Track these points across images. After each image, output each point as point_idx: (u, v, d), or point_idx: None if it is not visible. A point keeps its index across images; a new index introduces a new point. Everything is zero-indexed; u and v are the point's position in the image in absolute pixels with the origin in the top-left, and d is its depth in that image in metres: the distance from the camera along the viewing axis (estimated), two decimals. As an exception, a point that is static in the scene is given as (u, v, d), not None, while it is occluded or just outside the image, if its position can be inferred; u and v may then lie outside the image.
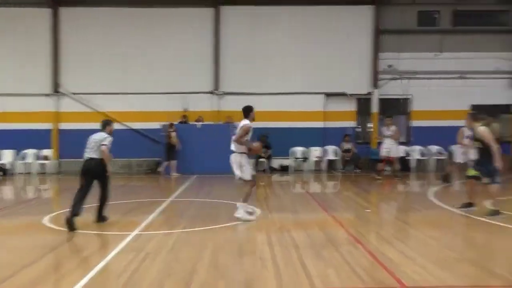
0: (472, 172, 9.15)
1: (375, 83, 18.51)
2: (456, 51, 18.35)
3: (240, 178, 8.81)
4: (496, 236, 7.77)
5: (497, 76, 18.63)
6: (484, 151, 8.85)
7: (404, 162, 17.58)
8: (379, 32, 18.45)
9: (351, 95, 18.51)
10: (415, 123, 18.67)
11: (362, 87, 18.54)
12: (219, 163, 16.85)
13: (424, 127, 18.33)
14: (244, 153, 8.77)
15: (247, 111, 9.10)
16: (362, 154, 18.17)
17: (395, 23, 18.58)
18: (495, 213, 8.67)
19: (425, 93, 18.34)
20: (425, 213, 9.77)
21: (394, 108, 18.94)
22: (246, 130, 8.69)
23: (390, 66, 18.57)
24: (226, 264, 5.99)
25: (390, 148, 14.95)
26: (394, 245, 6.95)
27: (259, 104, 17.96)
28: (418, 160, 18.21)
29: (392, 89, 18.59)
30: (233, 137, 8.87)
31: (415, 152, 18.27)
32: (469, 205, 9.25)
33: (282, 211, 9.40)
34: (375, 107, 18.53)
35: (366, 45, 18.48)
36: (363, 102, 18.79)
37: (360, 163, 17.94)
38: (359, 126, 19.23)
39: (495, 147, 8.72)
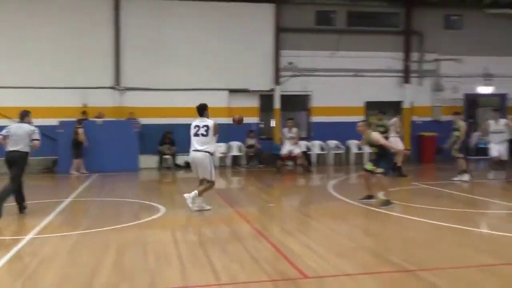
0: (370, 166, 9.70)
1: (277, 79, 18.95)
2: (351, 50, 19.27)
3: (204, 178, 8.95)
4: (390, 225, 8.32)
5: (389, 74, 19.85)
6: (380, 153, 9.48)
7: (305, 157, 18.25)
8: (280, 30, 18.90)
9: (254, 91, 18.79)
10: (315, 118, 19.38)
11: (264, 83, 18.89)
12: (122, 160, 16.55)
13: (323, 123, 19.08)
14: (211, 153, 8.92)
15: (204, 109, 9.19)
16: (266, 149, 18.55)
17: (295, 21, 19.12)
18: (387, 203, 9.28)
19: (324, 90, 19.08)
20: (326, 205, 10.20)
21: (295, 104, 19.56)
22: (217, 127, 8.94)
23: (290, 63, 19.09)
24: (130, 264, 5.84)
25: (291, 149, 15.47)
26: (297, 237, 7.19)
27: (163, 100, 17.85)
28: (318, 154, 18.94)
29: (293, 85, 19.13)
30: (205, 137, 8.84)
31: (315, 147, 18.99)
32: (369, 197, 9.80)
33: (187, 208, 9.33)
34: (277, 103, 18.98)
35: (268, 42, 18.85)
36: (266, 98, 19.16)
37: (263, 158, 18.30)
38: (262, 122, 19.60)
39: (390, 145, 9.37)
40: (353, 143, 18.90)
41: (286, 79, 19.12)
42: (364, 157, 18.86)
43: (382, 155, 9.47)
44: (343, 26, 19.59)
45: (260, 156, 18.33)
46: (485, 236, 7.49)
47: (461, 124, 13.16)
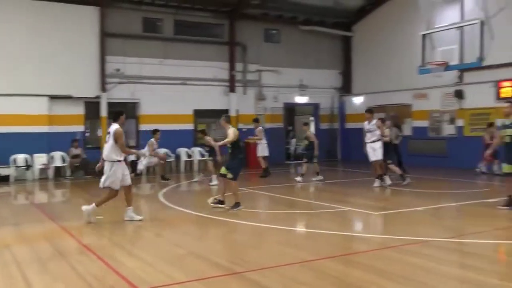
0: (224, 170, 9.92)
1: (103, 86, 18.19)
2: (178, 59, 19.43)
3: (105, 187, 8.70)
4: (218, 229, 8.54)
5: (215, 83, 20.49)
6: (233, 152, 9.87)
7: (133, 166, 17.93)
8: (105, 35, 18.20)
9: (78, 98, 17.76)
10: (144, 126, 19.04)
11: (89, 90, 17.95)
12: None
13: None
14: (118, 161, 8.54)
15: (116, 114, 8.83)
16: (93, 159, 17.59)
17: (121, 27, 18.61)
18: (236, 205, 9.72)
19: (153, 97, 18.89)
20: (156, 214, 10.10)
21: (123, 112, 18.96)
22: (121, 135, 8.47)
23: (117, 70, 18.53)
24: None
25: (151, 161, 15.54)
26: (126, 248, 6.99)
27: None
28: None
29: (121, 93, 18.56)
30: (108, 145, 8.45)
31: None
32: (220, 202, 9.96)
33: None
34: (104, 111, 18.22)
35: (92, 47, 17.94)
36: (91, 106, 18.24)
37: (90, 168, 17.36)
38: (88, 130, 18.65)
39: (227, 142, 9.87)
40: (183, 151, 19.08)
41: (113, 86, 18.49)
42: (193, 165, 19.17)
43: (235, 154, 9.85)
44: (170, 35, 19.66)
45: (86, 167, 17.35)
46: (304, 234, 8.16)
47: (309, 133, 14.92)
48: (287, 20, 21.97)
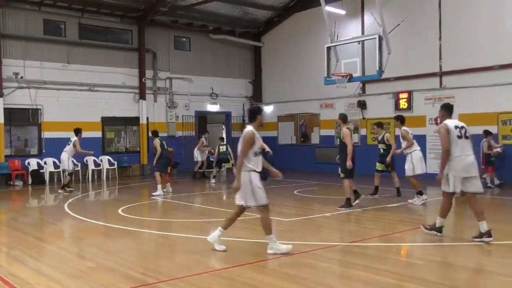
0: None
1: (0, 91, 17.03)
2: (84, 64, 18.68)
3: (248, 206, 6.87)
4: (127, 240, 8.25)
5: (125, 90, 19.93)
6: None
7: (38, 175, 16.98)
8: (2, 36, 17.07)
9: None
10: (47, 134, 18.08)
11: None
12: None
13: (57, 139, 17.87)
14: (254, 171, 6.67)
15: (254, 114, 6.93)
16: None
17: (20, 28, 17.57)
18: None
19: (56, 104, 18.01)
20: (61, 225, 9.63)
21: (23, 118, 17.90)
22: (249, 140, 6.58)
23: (16, 74, 17.45)
24: None
25: None
26: (27, 263, 6.57)
27: None
28: (51, 172, 17.72)
29: (20, 98, 17.50)
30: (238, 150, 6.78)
31: (49, 164, 17.71)
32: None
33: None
34: (0, 117, 17.05)
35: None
36: (-14, 111, 17.01)
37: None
38: (-18, 137, 17.34)
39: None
40: (90, 160, 18.30)
41: (12, 91, 17.38)
42: (102, 173, 18.53)
43: None
44: (74, 38, 18.85)
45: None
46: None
47: (228, 147, 15.94)
48: (197, 28, 21.96)
